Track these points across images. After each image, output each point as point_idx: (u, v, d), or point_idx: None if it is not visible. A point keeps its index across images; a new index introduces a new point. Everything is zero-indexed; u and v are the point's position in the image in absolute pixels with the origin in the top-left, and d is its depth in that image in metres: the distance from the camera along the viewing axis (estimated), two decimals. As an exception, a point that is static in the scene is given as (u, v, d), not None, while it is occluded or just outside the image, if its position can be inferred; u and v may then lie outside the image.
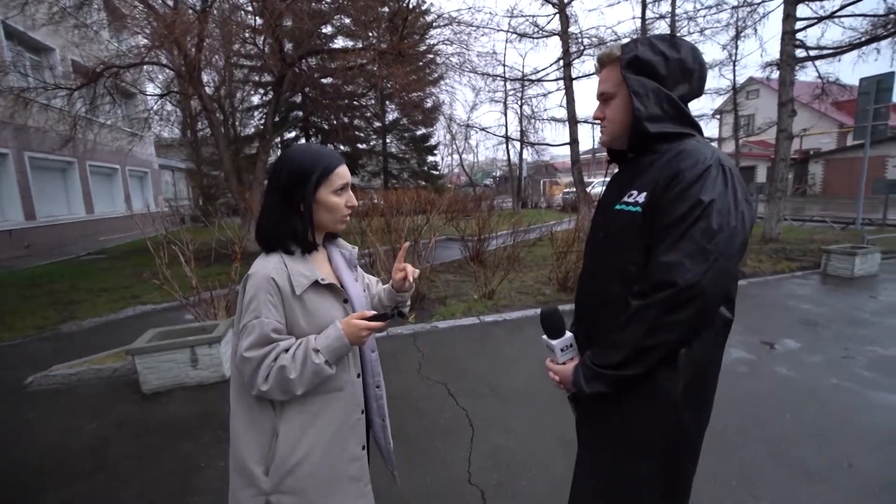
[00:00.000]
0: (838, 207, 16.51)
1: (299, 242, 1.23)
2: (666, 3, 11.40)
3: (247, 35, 9.68)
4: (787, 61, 8.61)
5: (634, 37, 1.26)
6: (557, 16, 10.69)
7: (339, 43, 13.02)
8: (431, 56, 10.27)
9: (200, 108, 11.29)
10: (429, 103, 14.32)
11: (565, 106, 11.46)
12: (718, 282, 1.02)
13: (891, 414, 2.90)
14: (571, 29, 10.51)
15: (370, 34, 10.11)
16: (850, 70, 37.60)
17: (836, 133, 24.83)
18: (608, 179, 1.40)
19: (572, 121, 11.17)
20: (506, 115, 23.05)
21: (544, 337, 1.27)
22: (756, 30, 13.02)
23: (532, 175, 28.83)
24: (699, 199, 1.03)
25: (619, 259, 1.18)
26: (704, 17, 11.42)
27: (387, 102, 16.14)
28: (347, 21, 11.88)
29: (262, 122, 16.92)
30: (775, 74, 9.79)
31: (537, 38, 11.43)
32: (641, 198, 1.13)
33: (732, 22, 11.25)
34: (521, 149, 23.91)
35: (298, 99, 15.85)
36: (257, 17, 9.07)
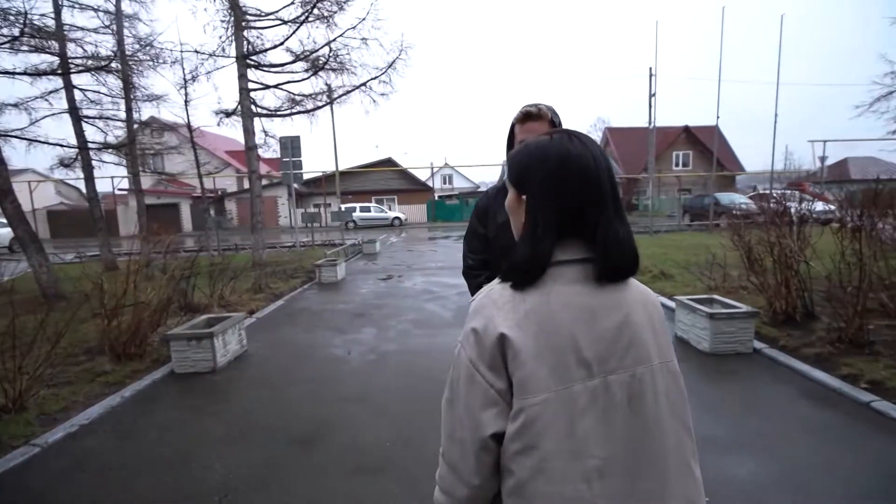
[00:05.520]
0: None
1: None
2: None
3: None
4: (247, 113, 10.15)
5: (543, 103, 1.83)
6: None
7: None
8: None
9: None
10: None
11: None
12: None
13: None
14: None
15: None
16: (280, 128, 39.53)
17: (235, 178, 30.27)
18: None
19: None
20: None
21: None
22: (209, 78, 14.25)
23: None
24: None
25: None
26: (171, 51, 11.08)
27: None
28: None
29: None
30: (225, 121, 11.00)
31: None
32: None
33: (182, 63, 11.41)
34: None
35: None
36: None
